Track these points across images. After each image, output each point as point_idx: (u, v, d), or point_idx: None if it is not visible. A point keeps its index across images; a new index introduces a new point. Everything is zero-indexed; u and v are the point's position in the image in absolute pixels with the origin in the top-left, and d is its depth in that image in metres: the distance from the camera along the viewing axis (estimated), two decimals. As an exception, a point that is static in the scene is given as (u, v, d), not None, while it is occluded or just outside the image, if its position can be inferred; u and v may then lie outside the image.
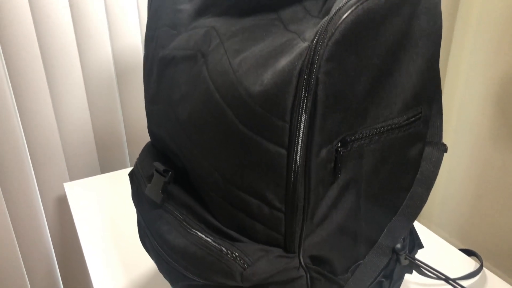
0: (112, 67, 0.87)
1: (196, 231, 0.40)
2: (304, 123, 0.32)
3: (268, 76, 0.32)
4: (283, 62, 0.32)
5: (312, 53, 0.30)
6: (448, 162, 1.36)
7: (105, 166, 0.93)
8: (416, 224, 0.73)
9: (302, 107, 0.31)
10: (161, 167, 0.44)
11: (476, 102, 1.20)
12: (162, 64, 0.44)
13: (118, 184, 0.85)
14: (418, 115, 0.39)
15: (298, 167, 0.34)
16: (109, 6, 0.83)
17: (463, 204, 1.34)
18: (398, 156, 0.40)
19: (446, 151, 0.45)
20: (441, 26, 0.38)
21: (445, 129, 1.33)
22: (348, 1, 0.30)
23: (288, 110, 0.32)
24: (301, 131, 0.32)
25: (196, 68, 0.40)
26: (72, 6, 0.80)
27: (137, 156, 0.96)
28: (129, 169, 0.91)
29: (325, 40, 0.30)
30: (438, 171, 0.43)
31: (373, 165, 0.38)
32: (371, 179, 0.39)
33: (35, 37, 0.78)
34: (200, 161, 0.39)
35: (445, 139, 1.35)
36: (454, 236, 1.41)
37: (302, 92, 0.31)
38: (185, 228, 0.42)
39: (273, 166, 0.34)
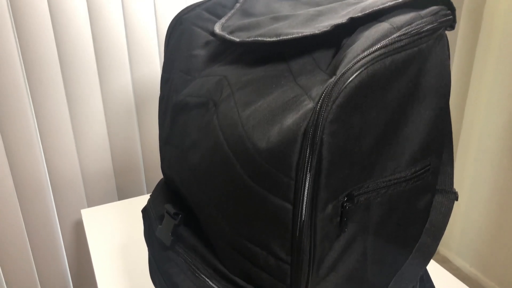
0: (131, 96, 0.89)
1: (204, 277, 0.41)
2: (309, 181, 0.32)
3: (274, 133, 0.33)
4: (289, 120, 0.33)
5: (316, 115, 0.31)
6: (468, 190, 1.34)
7: (123, 192, 0.95)
8: (431, 262, 0.72)
9: (307, 166, 0.32)
10: (171, 209, 0.45)
11: (496, 132, 1.18)
12: (175, 109, 0.46)
13: (134, 212, 0.86)
14: (427, 167, 0.39)
15: (303, 221, 0.34)
16: (130, 37, 0.85)
17: (484, 233, 1.31)
18: (406, 208, 0.39)
19: (457, 199, 0.45)
20: (449, 80, 0.38)
21: (465, 157, 1.31)
22: (353, 64, 0.31)
23: (293, 168, 0.32)
24: (306, 188, 0.33)
25: (207, 117, 0.41)
26: (94, 37, 0.82)
27: (154, 183, 0.98)
28: (146, 196, 0.92)
29: (329, 104, 0.30)
30: (448, 220, 0.43)
31: (381, 217, 0.38)
32: (379, 230, 0.39)
33: (59, 68, 0.81)
34: (208, 208, 0.40)
35: (466, 169, 1.33)
36: (474, 266, 1.37)
37: (307, 152, 0.31)
38: (193, 272, 0.42)
39: (279, 219, 0.35)
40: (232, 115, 0.37)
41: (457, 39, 1.18)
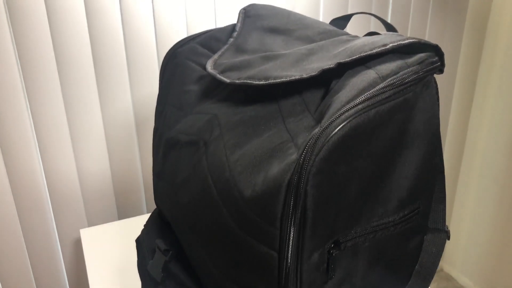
0: (132, 116, 0.90)
1: (192, 316, 0.41)
2: (293, 232, 0.32)
3: (259, 182, 0.33)
4: (275, 169, 0.33)
5: (299, 168, 0.31)
6: (472, 208, 1.33)
7: (123, 212, 0.95)
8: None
9: (291, 217, 0.32)
10: (162, 246, 0.45)
11: (500, 149, 1.17)
12: (167, 145, 0.46)
13: (133, 232, 0.86)
14: (416, 210, 0.39)
15: (289, 270, 0.34)
16: (130, 56, 0.86)
17: (488, 251, 1.30)
18: (395, 251, 0.39)
19: (448, 238, 0.45)
20: (438, 124, 0.38)
21: (469, 176, 1.30)
22: (337, 117, 0.31)
23: (278, 218, 0.32)
24: (291, 238, 0.33)
25: (197, 156, 0.41)
26: (95, 57, 0.83)
27: (154, 202, 0.98)
28: (146, 216, 0.93)
29: (312, 157, 0.30)
30: (439, 261, 0.43)
31: (369, 261, 0.38)
32: (367, 274, 0.38)
33: (60, 88, 0.82)
34: (196, 249, 0.40)
35: (470, 186, 1.31)
36: (479, 284, 1.36)
37: (291, 203, 0.31)
38: (182, 310, 0.42)
39: (265, 266, 0.35)
40: (221, 158, 0.37)
41: (459, 57, 1.17)
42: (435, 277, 1.42)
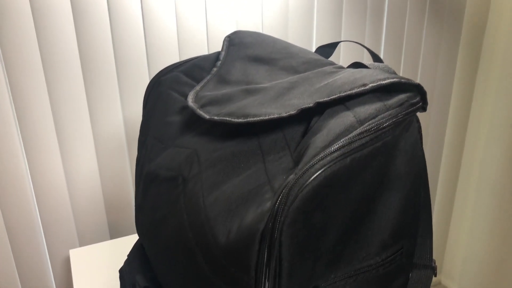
0: (123, 134, 0.89)
1: None
2: (269, 283, 0.31)
3: (234, 228, 0.32)
4: (250, 216, 0.32)
5: (273, 218, 0.30)
6: (470, 221, 1.31)
7: (115, 230, 0.95)
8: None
9: (266, 268, 0.31)
10: (142, 282, 0.44)
11: (497, 162, 1.16)
12: (147, 179, 0.45)
13: (123, 252, 0.85)
14: (399, 251, 0.38)
15: (265, 318, 0.33)
16: (121, 74, 0.85)
17: (486, 264, 1.28)
18: (378, 293, 0.38)
19: (435, 275, 0.43)
20: (423, 162, 0.37)
21: (466, 186, 1.29)
22: (313, 164, 0.30)
23: (252, 268, 0.31)
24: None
25: (176, 193, 0.40)
26: (84, 73, 0.82)
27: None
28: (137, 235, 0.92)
29: (286, 207, 0.29)
30: (425, 300, 0.42)
31: (350, 305, 0.37)
32: (349, 317, 0.37)
33: (49, 106, 0.81)
34: (174, 289, 0.39)
35: (467, 199, 1.30)
36: (477, 298, 1.34)
37: (265, 255, 0.30)
38: None
39: (241, 314, 0.34)
40: (197, 200, 0.36)
41: (456, 70, 1.16)
42: (432, 291, 1.41)
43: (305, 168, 0.30)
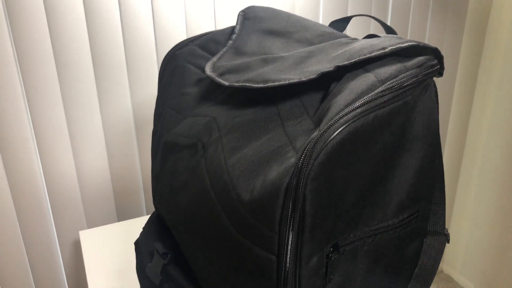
0: (131, 117, 0.90)
1: (191, 320, 0.41)
2: (292, 236, 0.32)
3: (258, 185, 0.33)
4: (273, 173, 0.33)
5: (298, 172, 0.31)
6: (472, 209, 1.32)
7: (122, 213, 0.95)
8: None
9: (290, 221, 0.32)
10: (161, 249, 0.45)
11: (500, 150, 1.17)
12: (166, 148, 0.46)
13: (132, 234, 0.86)
14: (415, 214, 0.39)
15: (288, 273, 0.34)
16: (129, 58, 0.86)
17: (488, 253, 1.30)
18: (394, 254, 0.39)
19: (448, 241, 0.44)
20: (437, 127, 0.37)
21: (468, 177, 1.30)
22: (336, 121, 0.31)
23: (276, 222, 0.32)
24: (290, 242, 0.32)
25: (196, 159, 0.41)
26: (94, 59, 0.83)
27: (153, 204, 0.98)
28: (146, 217, 0.92)
29: (311, 161, 0.30)
30: (438, 264, 0.43)
31: (368, 265, 0.38)
32: (366, 278, 0.38)
33: (59, 89, 0.82)
34: (195, 251, 0.40)
35: (469, 188, 1.31)
36: (479, 286, 1.36)
37: (289, 208, 0.31)
38: (181, 313, 0.42)
39: (264, 270, 0.34)
40: (219, 161, 0.37)
41: (459, 58, 1.17)
42: (435, 279, 1.42)
43: (329, 124, 0.31)
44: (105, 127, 0.89)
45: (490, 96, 1.17)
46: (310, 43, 0.46)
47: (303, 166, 0.30)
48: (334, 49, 0.41)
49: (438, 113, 0.38)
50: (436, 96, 0.37)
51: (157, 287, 0.46)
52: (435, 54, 0.36)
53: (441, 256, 0.43)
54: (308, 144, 0.31)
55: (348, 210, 0.34)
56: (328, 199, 0.32)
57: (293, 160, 0.32)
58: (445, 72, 1.16)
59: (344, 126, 0.30)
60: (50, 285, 0.92)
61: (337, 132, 0.30)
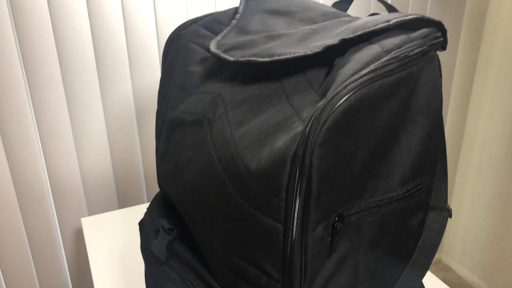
0: (132, 105, 0.90)
1: (198, 293, 0.41)
2: (299, 203, 0.33)
3: (265, 154, 0.33)
4: (280, 142, 0.33)
5: (305, 139, 0.31)
6: (470, 199, 1.33)
7: (123, 201, 0.96)
8: (430, 275, 0.72)
9: (297, 188, 0.32)
10: (166, 225, 0.46)
11: (498, 141, 1.18)
12: (171, 126, 0.46)
13: (134, 220, 0.86)
14: (419, 186, 0.39)
15: (294, 242, 0.34)
16: (130, 46, 0.86)
17: (486, 242, 1.31)
18: (398, 226, 0.40)
19: (450, 216, 0.45)
20: (441, 100, 0.38)
21: (467, 168, 1.31)
22: (342, 88, 0.31)
23: (283, 189, 0.33)
24: (296, 210, 0.33)
25: (202, 134, 0.41)
26: (95, 47, 0.83)
27: (155, 191, 0.98)
28: (146, 205, 0.93)
29: (318, 127, 0.31)
30: (441, 238, 0.43)
31: (372, 236, 0.38)
32: (370, 249, 0.39)
33: (60, 77, 0.82)
34: (201, 225, 0.40)
35: (468, 178, 1.32)
36: (477, 275, 1.37)
37: (296, 175, 0.32)
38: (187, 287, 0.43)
39: (270, 239, 0.35)
40: (225, 135, 0.38)
41: (458, 47, 1.18)
42: (434, 268, 1.43)
43: (336, 91, 0.31)
44: (106, 115, 0.89)
45: (489, 84, 1.18)
46: (313, 22, 0.47)
47: (310, 133, 0.31)
48: (338, 27, 0.42)
49: (441, 86, 0.38)
50: (440, 69, 0.38)
51: (162, 264, 0.46)
52: (439, 27, 0.36)
53: (443, 231, 0.43)
54: (315, 112, 0.31)
55: (353, 180, 0.35)
56: (334, 167, 0.33)
57: (300, 128, 0.32)
58: (444, 59, 1.17)
59: (351, 93, 0.31)
60: (51, 271, 0.92)
61: (344, 99, 0.31)
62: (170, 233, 0.45)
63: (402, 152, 0.37)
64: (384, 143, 0.35)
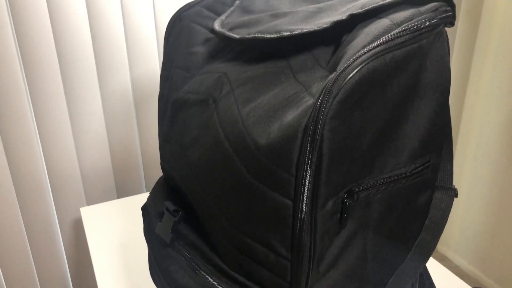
0: (130, 94, 0.89)
1: (204, 274, 0.41)
2: (309, 177, 0.32)
3: (274, 129, 0.33)
4: (290, 117, 0.33)
5: (317, 111, 0.31)
6: (467, 189, 1.34)
7: (122, 190, 0.95)
8: (431, 260, 0.72)
9: (308, 162, 0.32)
10: (171, 206, 0.45)
11: (495, 130, 1.18)
12: (175, 106, 0.45)
13: (133, 209, 0.86)
14: (427, 164, 0.39)
15: (303, 218, 0.34)
16: (129, 35, 0.85)
17: (483, 232, 1.31)
18: (406, 204, 0.40)
19: (456, 196, 0.45)
20: (449, 76, 0.38)
21: (464, 155, 1.31)
22: (354, 60, 0.31)
23: (293, 164, 0.32)
24: (307, 184, 0.33)
25: (207, 113, 0.41)
26: (93, 35, 0.82)
27: (153, 181, 0.98)
28: (145, 194, 0.92)
29: (330, 100, 0.30)
30: (448, 217, 0.43)
31: (381, 213, 0.38)
32: (379, 227, 0.39)
33: (58, 66, 0.81)
34: (208, 204, 0.40)
35: (464, 167, 1.33)
36: (473, 264, 1.38)
37: (307, 148, 0.31)
38: (193, 269, 0.42)
39: (279, 216, 0.35)
40: (232, 112, 0.37)
41: (455, 36, 1.18)
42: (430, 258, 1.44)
43: (347, 63, 0.31)
44: (104, 104, 0.88)
45: (487, 69, 1.18)
46: (318, 1, 0.46)
47: (322, 105, 0.30)
48: (344, 5, 0.41)
49: (449, 62, 0.38)
50: (448, 46, 0.38)
51: (167, 246, 0.46)
52: (448, 1, 0.36)
53: (450, 210, 0.43)
54: (326, 84, 0.31)
55: (363, 155, 0.34)
56: (344, 141, 0.32)
57: (311, 101, 0.32)
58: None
59: (363, 64, 0.31)
60: (49, 261, 0.91)
61: (356, 70, 0.30)
62: (175, 215, 0.44)
63: (411, 128, 0.36)
64: (394, 118, 0.35)
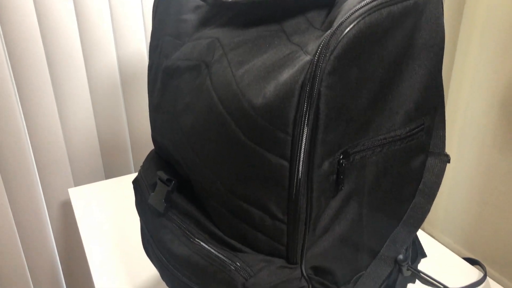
0: (117, 74, 0.88)
1: (199, 241, 0.40)
2: (306, 136, 0.32)
3: (270, 88, 0.33)
4: (286, 75, 0.32)
5: (314, 67, 0.30)
6: (452, 168, 1.36)
7: (110, 171, 0.94)
8: (420, 232, 0.73)
9: (304, 120, 0.31)
10: (164, 176, 0.45)
11: (481, 108, 1.19)
12: (166, 74, 0.45)
13: (122, 189, 0.85)
14: (421, 126, 0.39)
15: (300, 179, 0.34)
16: (114, 13, 0.83)
17: (468, 210, 1.34)
18: (401, 167, 0.40)
19: (449, 161, 0.45)
20: (443, 37, 0.38)
21: (449, 135, 1.33)
22: (350, 14, 0.31)
23: (290, 123, 0.32)
24: (303, 144, 0.32)
25: (200, 79, 0.40)
26: (78, 13, 0.80)
27: (141, 161, 0.97)
28: (133, 175, 0.91)
29: (327, 54, 0.30)
30: (441, 181, 0.43)
31: (376, 176, 0.38)
32: (374, 190, 0.39)
33: (41, 45, 0.79)
34: (202, 170, 0.39)
35: (450, 145, 1.34)
36: (458, 243, 1.40)
37: (304, 106, 0.31)
38: (188, 237, 0.42)
39: (275, 178, 0.34)
40: (226, 75, 0.37)
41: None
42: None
43: (343, 18, 0.30)
44: (90, 84, 0.87)
45: (472, 54, 1.19)
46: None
47: (319, 60, 0.30)
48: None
49: (443, 24, 0.38)
50: (442, 7, 0.38)
51: (161, 216, 0.45)
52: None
53: (443, 174, 0.44)
54: (323, 39, 0.31)
55: (359, 115, 0.34)
56: (341, 99, 0.32)
57: (307, 58, 0.31)
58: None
59: (359, 18, 0.30)
60: (38, 245, 0.90)
61: (353, 23, 0.30)
62: (169, 184, 0.44)
63: (406, 89, 0.36)
64: (389, 77, 0.35)
